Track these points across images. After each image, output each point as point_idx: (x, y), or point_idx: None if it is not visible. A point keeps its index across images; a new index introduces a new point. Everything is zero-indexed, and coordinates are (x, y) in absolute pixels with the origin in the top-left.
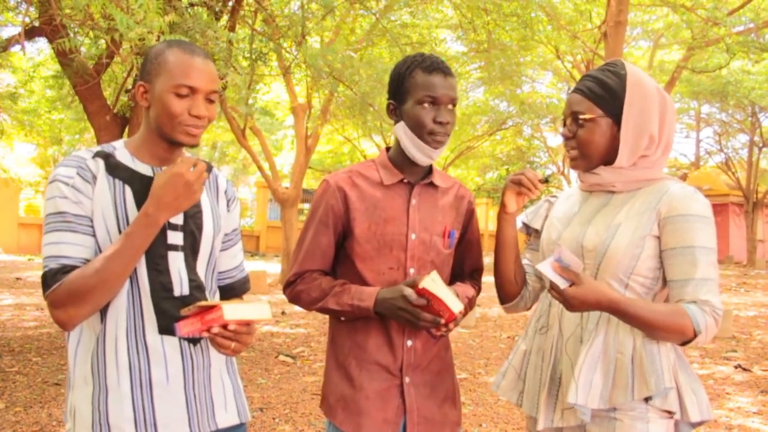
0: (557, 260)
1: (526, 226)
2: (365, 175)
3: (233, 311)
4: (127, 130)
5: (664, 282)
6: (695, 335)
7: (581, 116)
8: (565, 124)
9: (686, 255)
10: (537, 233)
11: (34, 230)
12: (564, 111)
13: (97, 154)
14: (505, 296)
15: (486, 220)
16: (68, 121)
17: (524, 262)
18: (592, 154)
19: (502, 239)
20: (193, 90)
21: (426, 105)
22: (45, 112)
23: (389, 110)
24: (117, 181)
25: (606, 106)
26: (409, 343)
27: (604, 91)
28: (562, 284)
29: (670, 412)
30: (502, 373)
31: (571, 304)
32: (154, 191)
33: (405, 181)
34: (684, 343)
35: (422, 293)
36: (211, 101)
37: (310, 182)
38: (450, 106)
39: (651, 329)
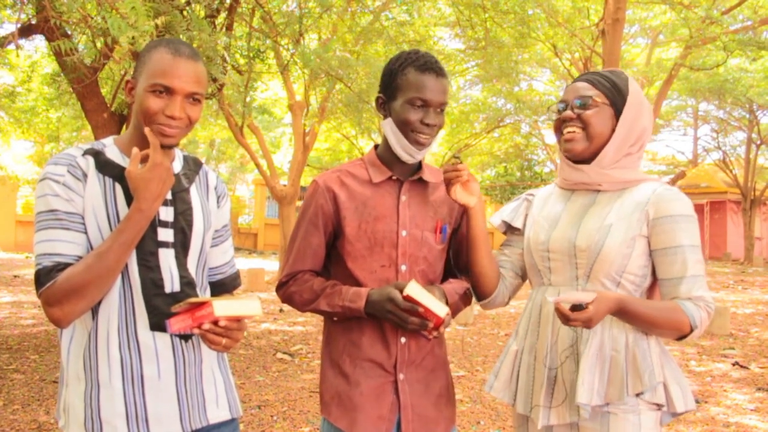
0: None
1: (507, 225)
2: (354, 173)
3: (223, 307)
4: (124, 127)
5: (651, 279)
6: (691, 330)
7: (590, 97)
8: (559, 111)
9: (677, 254)
10: (515, 231)
11: (31, 228)
12: (564, 96)
13: (87, 152)
14: (482, 293)
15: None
16: (66, 118)
17: (501, 258)
18: (594, 135)
19: (472, 235)
20: (169, 90)
21: (415, 106)
22: (43, 110)
23: (378, 104)
24: (107, 178)
25: (612, 96)
26: (403, 340)
27: (611, 85)
28: (583, 298)
29: (658, 405)
30: (495, 373)
31: (595, 320)
32: (140, 186)
33: (394, 178)
34: (680, 338)
35: (407, 300)
36: (194, 102)
37: (308, 180)
38: (439, 109)
39: (651, 326)
